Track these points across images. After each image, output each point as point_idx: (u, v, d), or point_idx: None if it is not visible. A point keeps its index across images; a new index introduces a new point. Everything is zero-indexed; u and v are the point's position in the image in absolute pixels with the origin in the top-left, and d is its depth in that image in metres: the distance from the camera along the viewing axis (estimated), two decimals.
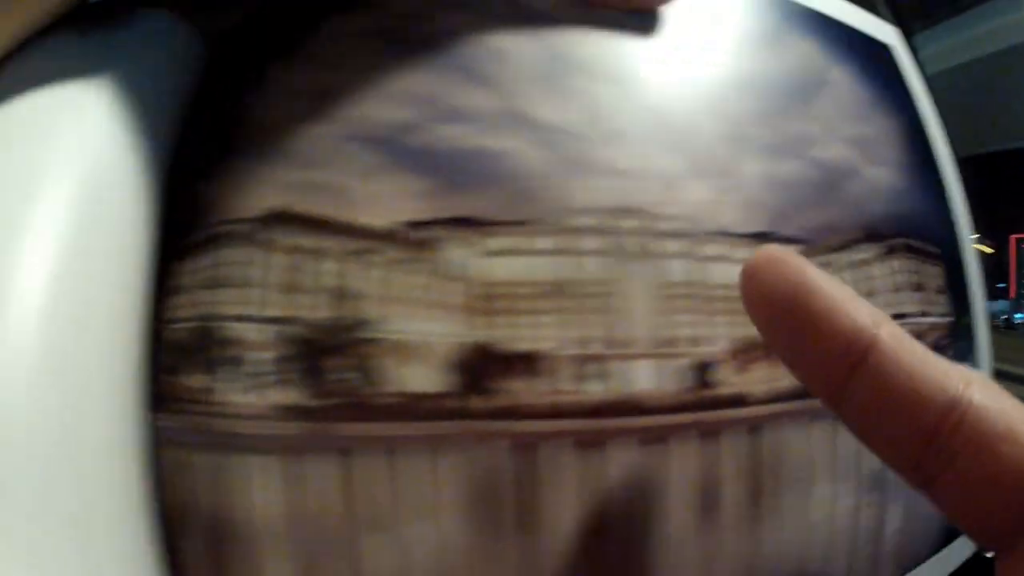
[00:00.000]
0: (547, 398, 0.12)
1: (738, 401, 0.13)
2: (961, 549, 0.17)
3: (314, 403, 0.12)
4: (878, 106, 0.18)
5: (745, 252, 0.14)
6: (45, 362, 0.10)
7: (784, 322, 0.09)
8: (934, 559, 0.16)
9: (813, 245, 0.15)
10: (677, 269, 0.13)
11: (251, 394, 0.12)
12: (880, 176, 0.17)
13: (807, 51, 0.17)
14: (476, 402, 0.12)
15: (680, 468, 0.12)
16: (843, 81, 0.18)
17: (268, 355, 0.12)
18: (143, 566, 0.11)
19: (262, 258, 0.12)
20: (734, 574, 0.13)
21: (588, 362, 0.12)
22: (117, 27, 0.14)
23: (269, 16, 0.15)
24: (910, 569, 0.16)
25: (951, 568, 0.17)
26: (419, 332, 0.12)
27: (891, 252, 0.16)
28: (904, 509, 0.15)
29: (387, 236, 0.12)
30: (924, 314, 0.17)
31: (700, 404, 0.13)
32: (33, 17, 0.12)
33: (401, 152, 0.13)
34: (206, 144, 0.14)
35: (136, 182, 0.12)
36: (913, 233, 0.17)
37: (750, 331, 0.12)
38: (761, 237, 0.14)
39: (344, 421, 0.12)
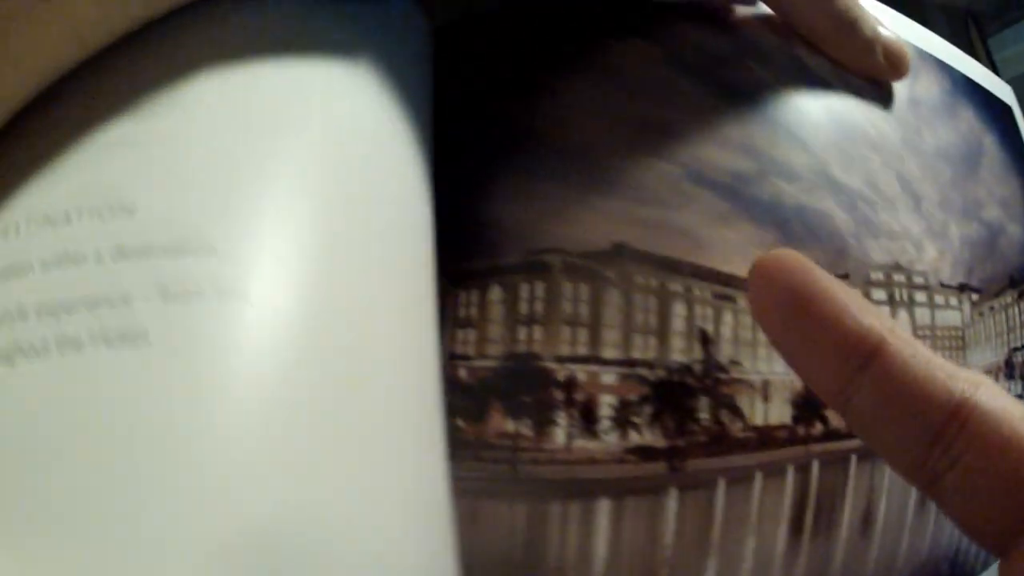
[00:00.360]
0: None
1: None
2: None
3: (672, 443, 0.13)
4: (1013, 167, 0.22)
5: (954, 300, 0.17)
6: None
7: (792, 324, 0.09)
8: None
9: (986, 293, 0.18)
10: (923, 316, 0.16)
11: (596, 438, 0.12)
12: (1017, 232, 0.21)
13: (969, 119, 0.20)
14: (808, 430, 0.14)
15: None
16: (993, 146, 0.21)
17: (615, 398, 0.13)
18: None
19: (603, 295, 0.13)
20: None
21: None
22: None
23: (539, 18, 0.15)
24: None
25: None
26: (772, 372, 0.13)
27: (1022, 295, 0.20)
28: None
29: (743, 283, 0.13)
30: None
31: None
32: None
33: (747, 201, 0.14)
34: (494, 159, 0.14)
35: (406, 180, 0.11)
36: None
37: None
38: (962, 288, 0.17)
39: (701, 457, 0.13)
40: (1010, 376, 0.19)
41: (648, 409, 0.13)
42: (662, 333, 0.13)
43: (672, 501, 0.13)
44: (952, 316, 0.17)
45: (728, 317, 0.13)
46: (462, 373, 0.13)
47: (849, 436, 0.14)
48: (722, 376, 0.13)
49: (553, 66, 0.14)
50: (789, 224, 0.14)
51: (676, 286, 0.13)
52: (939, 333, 0.16)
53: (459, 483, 0.11)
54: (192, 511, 0.07)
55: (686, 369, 0.13)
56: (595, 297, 0.13)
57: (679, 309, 0.13)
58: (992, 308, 0.18)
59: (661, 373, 0.13)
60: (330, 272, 0.09)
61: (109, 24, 0.10)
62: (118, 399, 0.07)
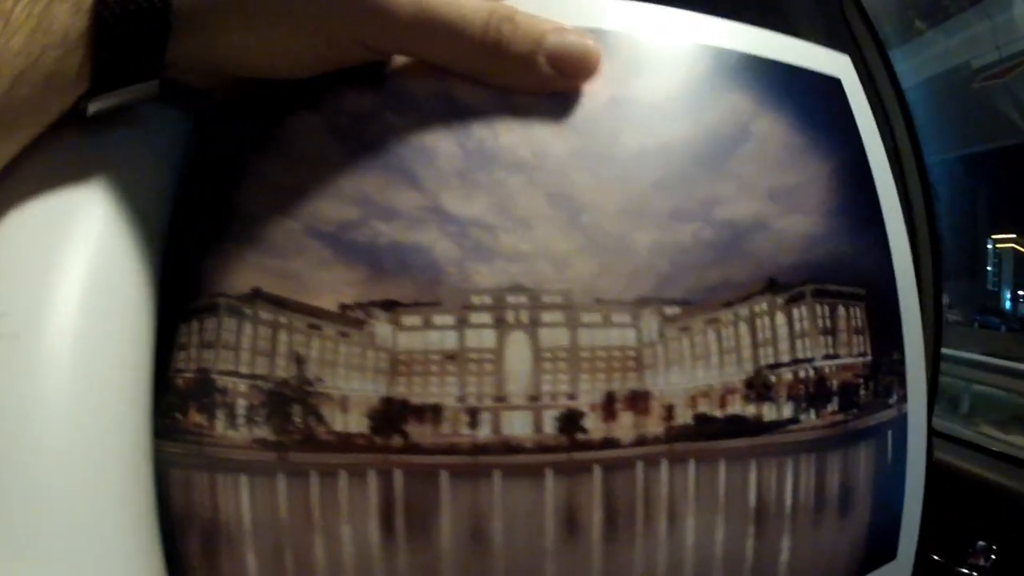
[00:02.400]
0: (445, 439, 0.16)
1: (604, 444, 0.16)
2: None
3: (278, 438, 0.16)
4: (810, 151, 0.18)
5: (623, 317, 0.16)
6: (76, 397, 0.15)
7: None
8: None
9: (699, 304, 0.17)
10: (552, 336, 0.16)
11: (236, 430, 0.17)
12: (794, 226, 0.18)
13: (732, 106, 0.18)
14: (391, 441, 0.16)
15: (542, 499, 0.16)
16: (770, 131, 0.18)
17: (246, 402, 0.17)
18: (151, 562, 0.16)
19: (243, 327, 0.17)
20: None
21: (477, 412, 0.16)
22: (116, 123, 0.18)
23: (249, 111, 0.19)
24: None
25: None
26: (350, 388, 0.16)
27: (794, 300, 0.18)
28: (798, 543, 0.17)
29: (328, 315, 0.16)
30: (832, 356, 0.18)
31: (567, 446, 0.16)
32: (38, 127, 0.16)
33: (343, 246, 0.17)
34: (202, 225, 0.18)
35: (141, 258, 0.17)
36: (827, 278, 0.18)
37: (613, 386, 0.15)
38: (640, 303, 0.16)
39: (298, 451, 0.16)
40: (758, 398, 0.17)
41: (264, 411, 0.17)
42: (273, 354, 0.17)
43: (282, 484, 0.17)
44: (617, 335, 0.16)
45: (316, 342, 0.16)
46: (179, 382, 0.18)
47: (432, 451, 0.16)
48: (309, 389, 0.16)
49: (254, 147, 0.19)
50: (381, 262, 0.16)
51: (283, 319, 0.17)
52: (589, 354, 0.16)
53: (177, 458, 0.17)
54: None
55: (285, 382, 0.17)
56: (239, 328, 0.17)
57: (283, 336, 0.17)
58: (716, 320, 0.17)
59: (271, 385, 0.17)
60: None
61: None
62: None
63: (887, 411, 0.18)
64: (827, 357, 0.18)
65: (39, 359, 0.15)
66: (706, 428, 0.16)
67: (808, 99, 0.19)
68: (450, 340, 0.16)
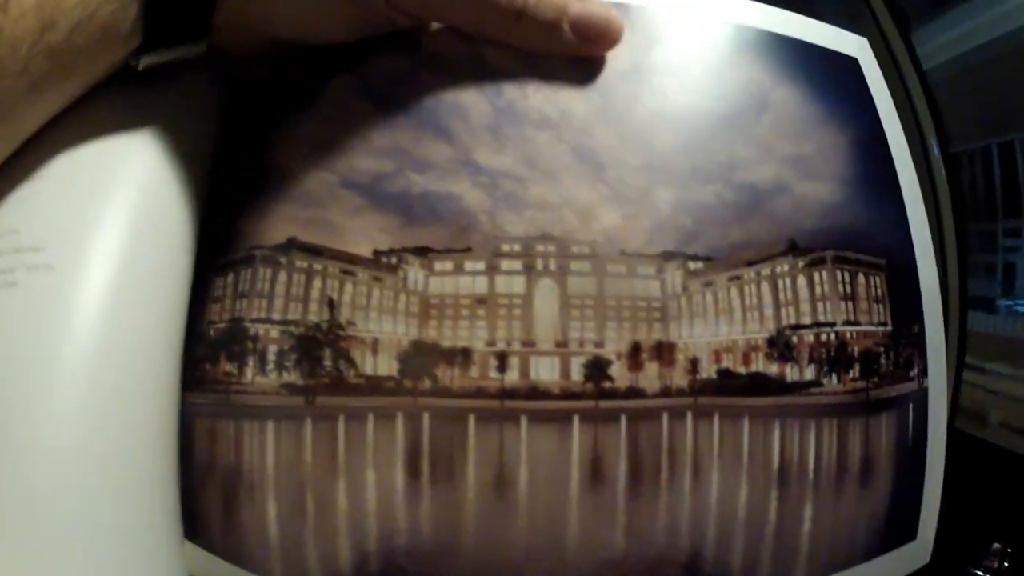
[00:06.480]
0: (473, 383, 0.16)
1: (629, 393, 0.16)
2: (898, 561, 0.18)
3: (307, 382, 0.17)
4: (827, 122, 0.19)
5: (649, 269, 0.17)
6: (106, 348, 0.15)
7: None
8: (864, 566, 0.18)
9: (722, 261, 0.17)
10: (579, 284, 0.16)
11: (266, 375, 0.17)
12: (814, 191, 0.18)
13: (749, 76, 0.19)
14: (419, 383, 0.16)
15: (567, 446, 0.16)
16: (787, 101, 0.19)
17: (276, 347, 0.17)
18: (170, 511, 0.16)
19: (278, 275, 0.17)
20: (623, 541, 0.16)
21: (505, 356, 0.16)
22: (163, 81, 0.19)
23: (287, 74, 0.20)
24: (831, 573, 0.17)
25: None
26: (381, 331, 0.16)
27: (815, 264, 0.18)
28: (820, 511, 0.17)
29: (362, 260, 0.17)
30: (852, 323, 0.18)
31: (593, 394, 0.16)
32: (91, 78, 0.17)
33: (378, 195, 0.17)
34: (240, 182, 0.19)
35: (180, 212, 0.18)
36: (847, 245, 0.18)
37: (639, 336, 0.16)
38: (666, 256, 0.17)
39: (326, 395, 0.17)
40: (780, 357, 0.17)
41: (294, 356, 0.17)
42: (306, 300, 0.17)
43: (308, 429, 0.17)
44: (641, 286, 0.17)
45: (349, 287, 0.17)
46: (211, 333, 0.19)
47: (460, 395, 0.16)
48: (340, 333, 0.17)
49: (290, 108, 0.20)
50: (412, 209, 0.17)
51: (317, 266, 0.17)
52: (615, 303, 0.16)
53: (203, 408, 0.17)
54: None
55: (317, 327, 0.17)
56: (274, 277, 0.18)
57: (316, 282, 0.17)
58: (738, 278, 0.17)
59: (302, 329, 0.17)
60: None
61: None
62: None
63: (908, 383, 0.18)
64: (848, 323, 0.18)
65: (73, 290, 0.15)
66: (730, 383, 0.17)
67: (825, 75, 0.20)
68: (480, 285, 0.16)
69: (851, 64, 0.20)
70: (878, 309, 0.18)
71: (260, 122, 0.20)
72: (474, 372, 0.16)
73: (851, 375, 0.18)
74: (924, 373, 0.19)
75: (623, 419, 0.16)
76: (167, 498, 0.17)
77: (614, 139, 0.18)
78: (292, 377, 0.17)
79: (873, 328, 0.18)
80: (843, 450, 0.17)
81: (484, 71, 0.18)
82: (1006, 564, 0.26)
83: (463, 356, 0.16)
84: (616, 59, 0.18)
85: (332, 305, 0.17)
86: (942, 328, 0.19)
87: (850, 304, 0.18)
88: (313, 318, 0.17)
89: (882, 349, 0.18)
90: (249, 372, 0.17)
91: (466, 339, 0.16)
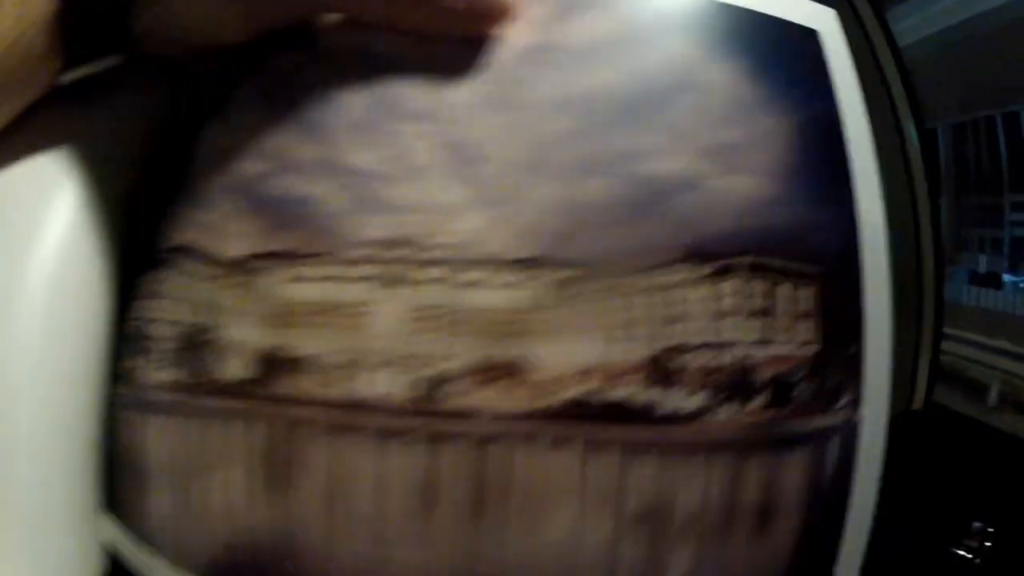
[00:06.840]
0: (315, 392, 0.15)
1: (474, 413, 0.15)
2: None
3: (187, 381, 0.17)
4: (767, 104, 0.16)
5: (510, 277, 0.15)
6: (48, 346, 0.17)
7: None
8: None
9: (599, 269, 0.15)
10: (430, 294, 0.15)
11: (158, 373, 0.18)
12: (732, 186, 0.15)
13: (675, 53, 0.16)
14: (266, 389, 0.16)
15: (405, 464, 0.15)
16: (719, 82, 0.16)
17: (165, 346, 0.18)
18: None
19: (169, 276, 0.18)
20: (448, 573, 0.14)
21: (342, 368, 0.15)
22: (95, 96, 0.20)
23: (209, 78, 0.20)
24: None
25: None
26: (241, 336, 0.16)
27: (721, 273, 0.15)
28: (696, 556, 0.15)
29: (230, 264, 0.17)
30: (763, 342, 0.15)
31: (435, 412, 0.15)
32: (23, 101, 0.18)
33: (252, 198, 0.17)
34: (162, 182, 0.20)
35: (109, 217, 0.19)
36: (771, 250, 0.15)
37: (491, 351, 0.14)
38: (530, 262, 0.15)
39: (200, 395, 0.17)
40: (661, 382, 0.15)
41: (174, 355, 0.18)
42: (187, 301, 0.18)
43: (182, 426, 0.17)
44: (499, 296, 0.15)
45: (220, 291, 0.17)
46: (127, 330, 0.20)
47: (302, 403, 0.15)
48: (207, 336, 0.17)
49: (206, 111, 0.20)
50: (282, 213, 0.17)
51: (198, 268, 0.18)
52: (467, 315, 0.15)
53: (119, 399, 0.19)
54: None
55: (193, 326, 0.17)
56: (167, 278, 0.18)
57: (196, 284, 0.18)
58: (617, 288, 0.15)
59: (181, 329, 0.17)
60: None
61: None
62: None
63: (832, 416, 0.15)
64: (757, 343, 0.15)
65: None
66: (593, 410, 0.14)
67: (773, 49, 0.16)
68: (328, 292, 0.16)
69: (809, 36, 0.17)
70: (803, 327, 0.15)
71: (184, 125, 0.20)
72: (317, 381, 0.15)
73: (755, 405, 0.15)
74: (857, 404, 0.15)
75: (464, 441, 0.15)
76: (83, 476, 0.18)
77: (495, 130, 0.16)
78: (174, 375, 0.17)
79: (791, 350, 0.15)
80: (735, 492, 0.14)
81: (371, 64, 0.17)
82: (987, 544, 0.23)
83: (307, 364, 0.15)
84: (514, 37, 0.17)
85: (206, 307, 0.17)
86: (888, 351, 0.15)
87: (763, 321, 0.15)
88: (190, 319, 0.17)
89: (802, 375, 0.15)
90: (148, 368, 0.18)
91: (312, 348, 0.15)
